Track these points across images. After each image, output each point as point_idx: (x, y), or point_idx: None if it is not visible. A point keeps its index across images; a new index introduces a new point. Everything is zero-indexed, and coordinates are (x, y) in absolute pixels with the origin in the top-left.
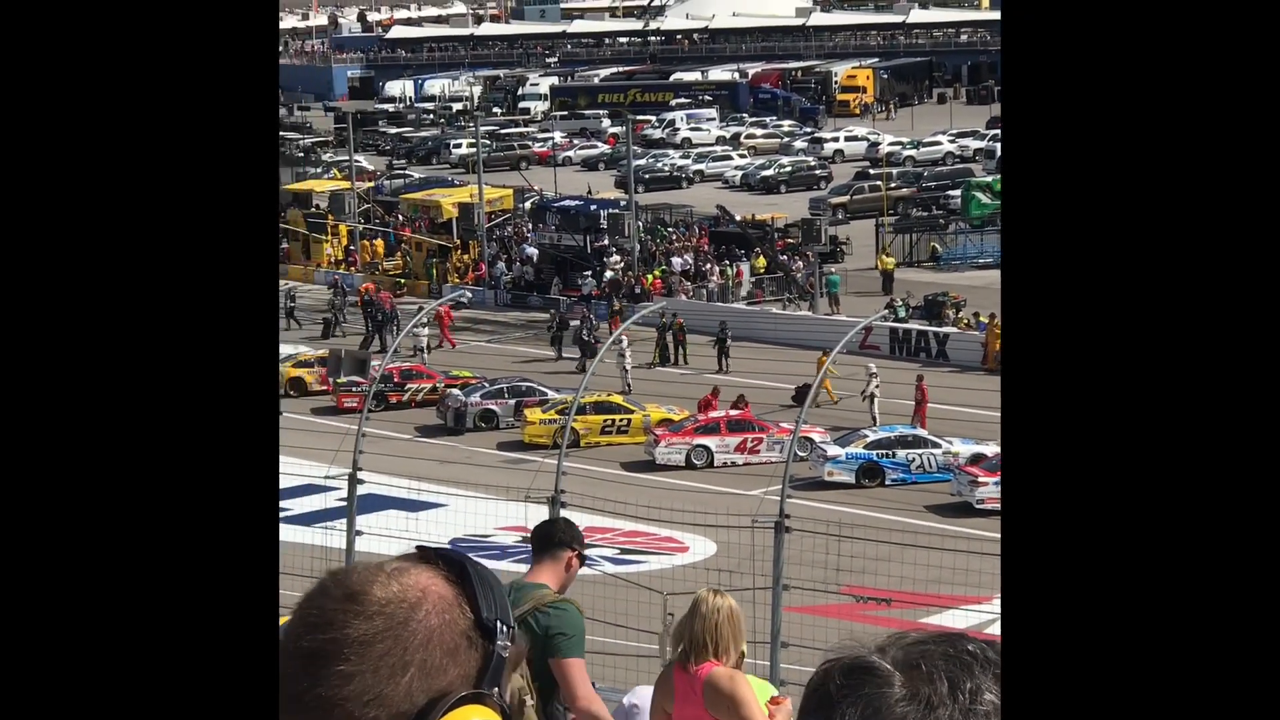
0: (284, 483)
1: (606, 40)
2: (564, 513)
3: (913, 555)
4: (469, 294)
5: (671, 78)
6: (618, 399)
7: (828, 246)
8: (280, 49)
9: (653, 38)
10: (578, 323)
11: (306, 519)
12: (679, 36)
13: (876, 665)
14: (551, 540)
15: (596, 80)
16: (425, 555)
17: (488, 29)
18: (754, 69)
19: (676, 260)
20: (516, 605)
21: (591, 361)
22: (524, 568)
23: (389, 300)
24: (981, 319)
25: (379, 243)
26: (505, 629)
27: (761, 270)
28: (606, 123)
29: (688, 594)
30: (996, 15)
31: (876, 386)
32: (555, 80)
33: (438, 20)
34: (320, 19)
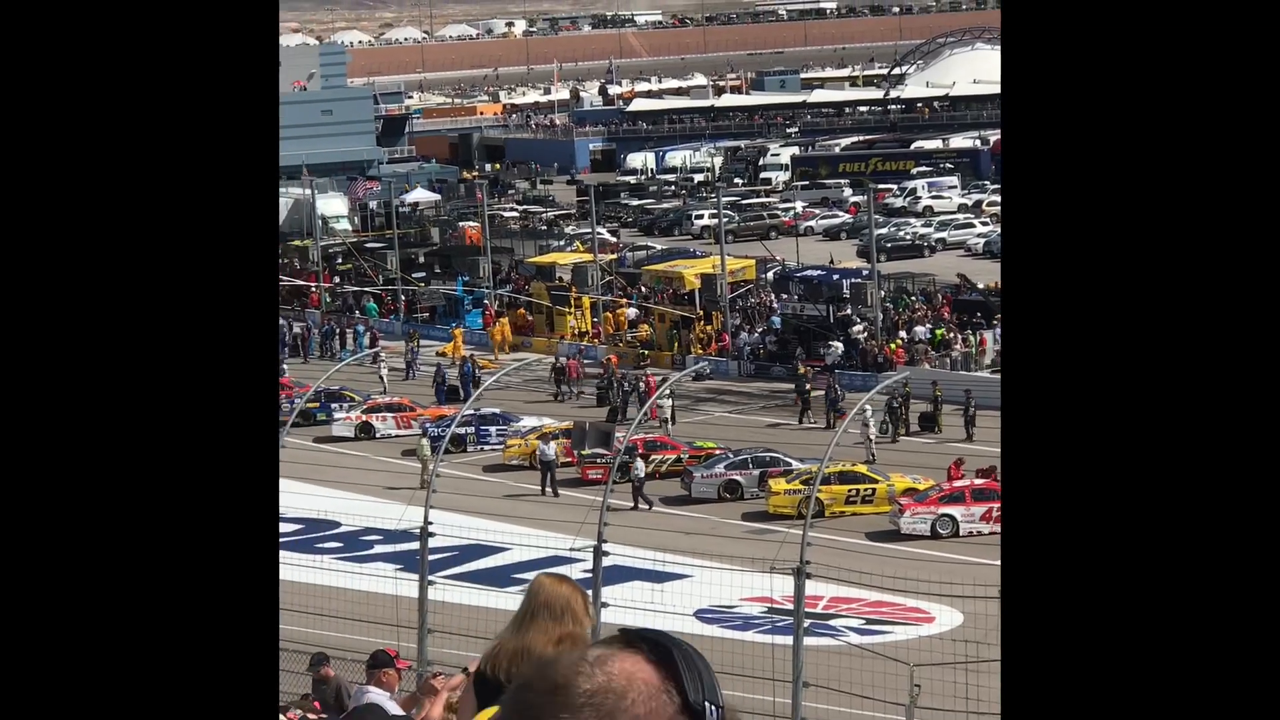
0: (529, 555)
1: (847, 109)
2: (809, 584)
3: None
4: (707, 365)
5: (912, 146)
6: (862, 468)
7: None
8: (523, 123)
9: (893, 106)
10: (822, 392)
11: None
12: (919, 104)
13: None
14: None
15: (837, 149)
16: (629, 639)
17: (728, 100)
18: (995, 136)
19: (919, 329)
20: None
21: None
22: (766, 639)
23: (619, 368)
24: None
25: (622, 313)
26: (715, 710)
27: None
28: (848, 192)
29: (935, 665)
30: None
31: None
32: (796, 150)
33: (678, 93)
34: (562, 93)
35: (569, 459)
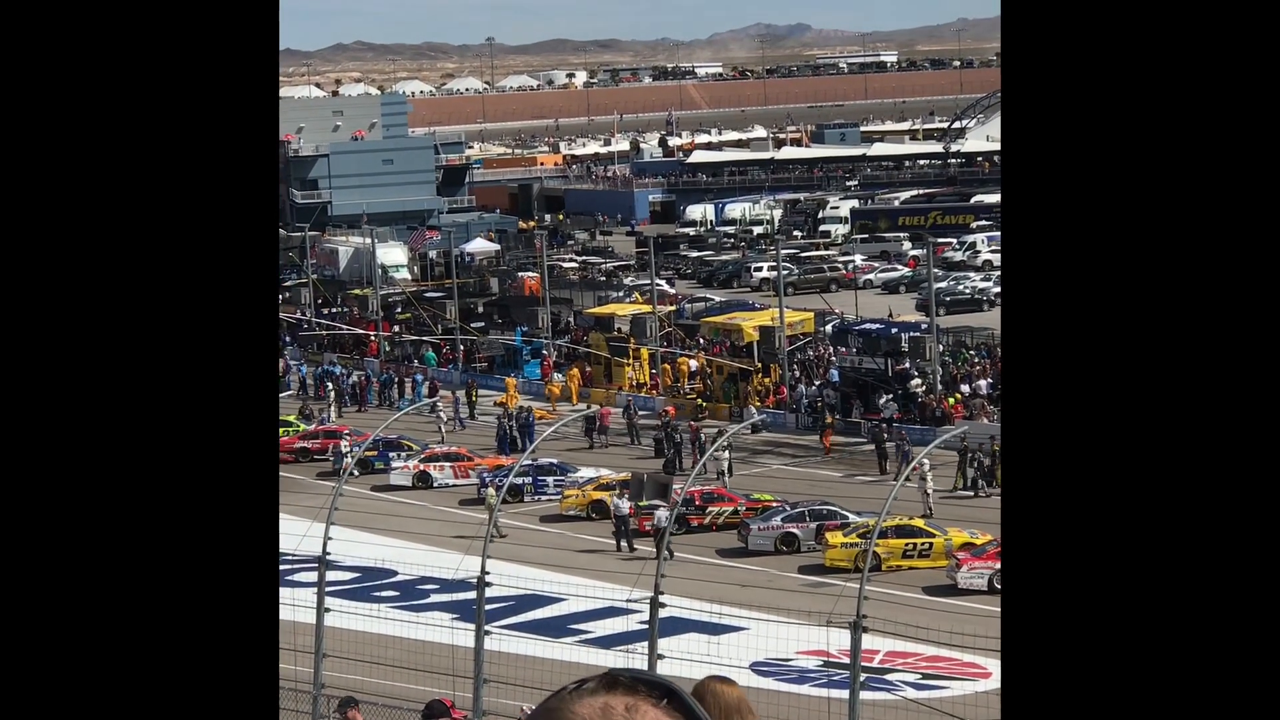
0: (585, 605)
1: (906, 163)
2: (866, 638)
3: None
4: (760, 418)
5: (972, 200)
6: (919, 522)
7: None
8: (583, 174)
9: (953, 160)
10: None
11: (606, 642)
12: (979, 158)
13: None
14: None
15: (897, 203)
16: (630, 684)
17: (788, 153)
18: None
19: (981, 383)
20: None
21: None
22: (822, 693)
23: (693, 426)
24: None
25: (683, 363)
26: None
27: None
28: (907, 245)
29: None
30: None
31: None
32: (855, 203)
33: (738, 144)
34: (622, 144)
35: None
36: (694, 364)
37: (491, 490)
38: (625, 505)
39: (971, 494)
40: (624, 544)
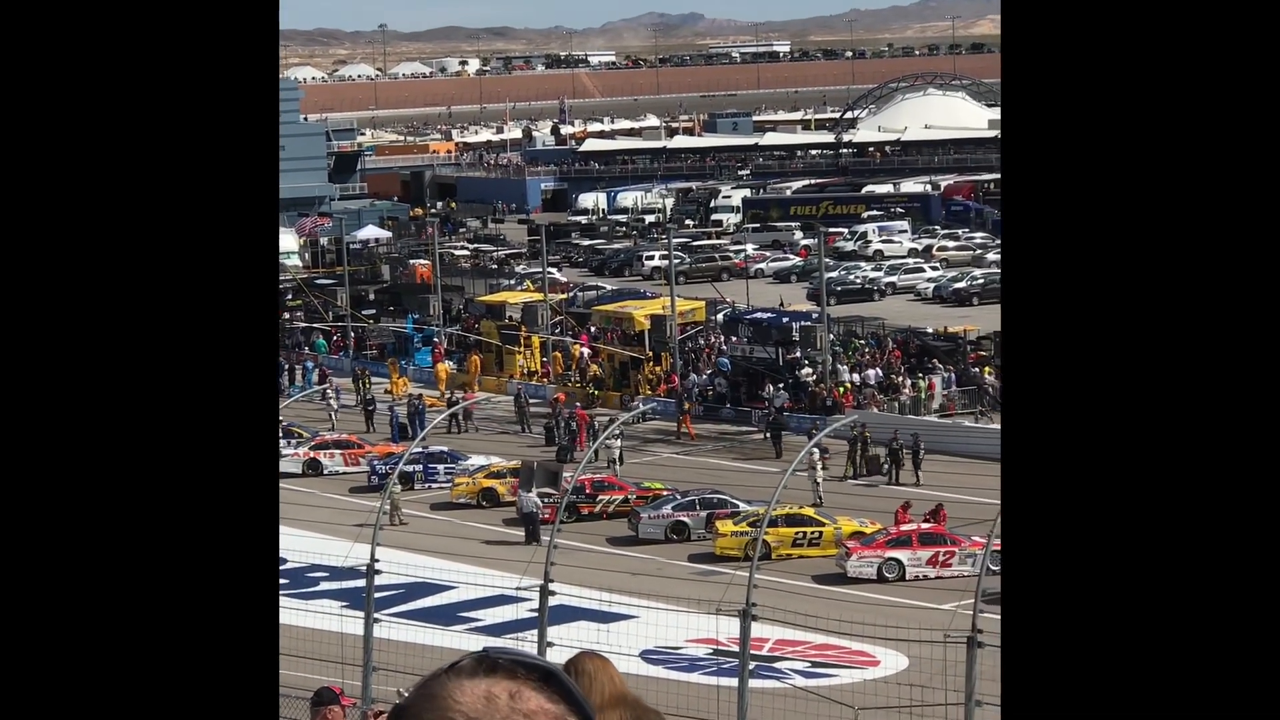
0: (475, 593)
1: (798, 153)
2: (755, 626)
3: None
4: (642, 406)
5: (863, 190)
6: (809, 511)
7: None
8: (476, 162)
9: (845, 150)
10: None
11: (496, 630)
12: (871, 149)
13: None
14: None
15: (789, 193)
16: (510, 667)
17: (680, 142)
18: (946, 181)
19: (869, 373)
20: None
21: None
22: (712, 681)
23: (583, 414)
24: None
25: (576, 348)
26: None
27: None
28: (798, 235)
29: (879, 709)
30: None
31: None
32: (747, 192)
33: (630, 133)
34: (515, 133)
35: (514, 496)
36: (585, 350)
37: (394, 480)
38: (534, 500)
39: (866, 480)
40: (533, 542)
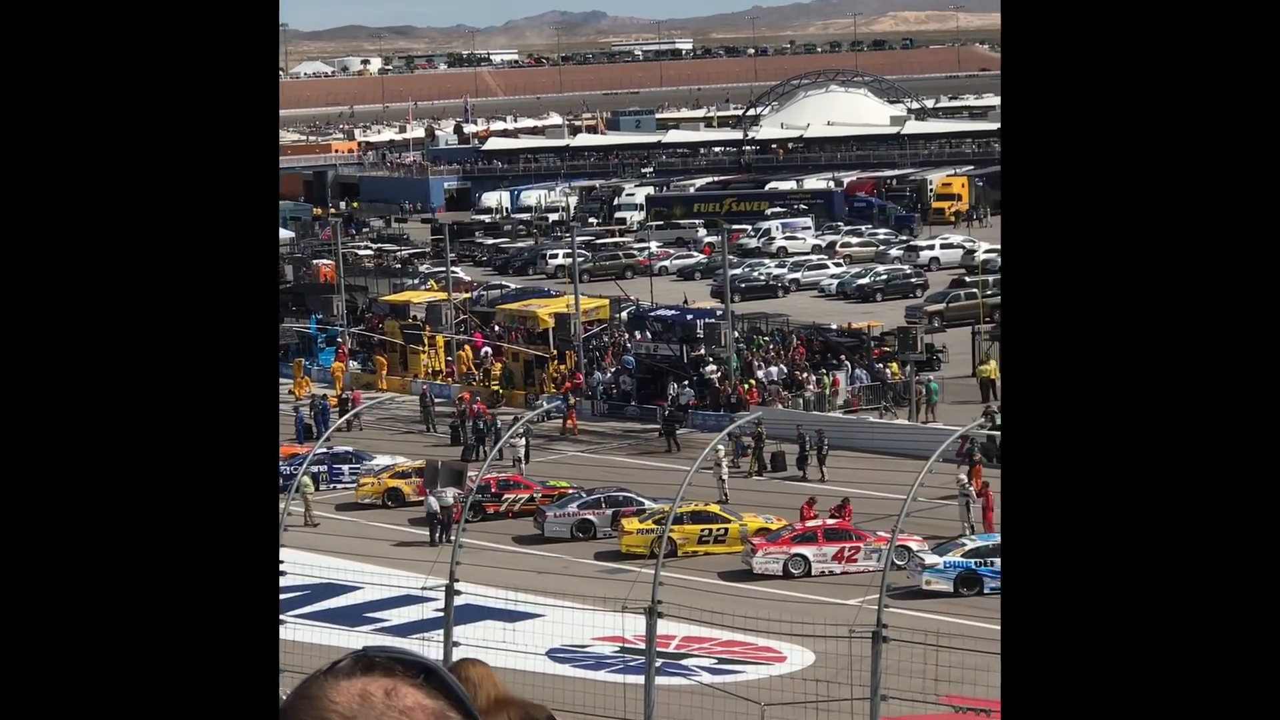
0: (381, 594)
1: (701, 150)
2: (661, 623)
3: None
4: (545, 403)
5: (767, 187)
6: (715, 508)
7: (924, 355)
8: (379, 161)
9: (748, 147)
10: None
11: (403, 630)
12: (774, 145)
13: None
14: None
15: (692, 190)
16: (387, 665)
17: (583, 140)
18: (849, 177)
19: (773, 369)
20: None
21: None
22: (619, 679)
23: (486, 410)
24: None
25: (467, 350)
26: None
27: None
28: (702, 232)
29: (786, 705)
30: None
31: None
32: (651, 190)
33: (533, 132)
34: (417, 132)
35: (421, 497)
36: (487, 350)
37: (306, 479)
38: (448, 498)
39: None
40: (438, 537)
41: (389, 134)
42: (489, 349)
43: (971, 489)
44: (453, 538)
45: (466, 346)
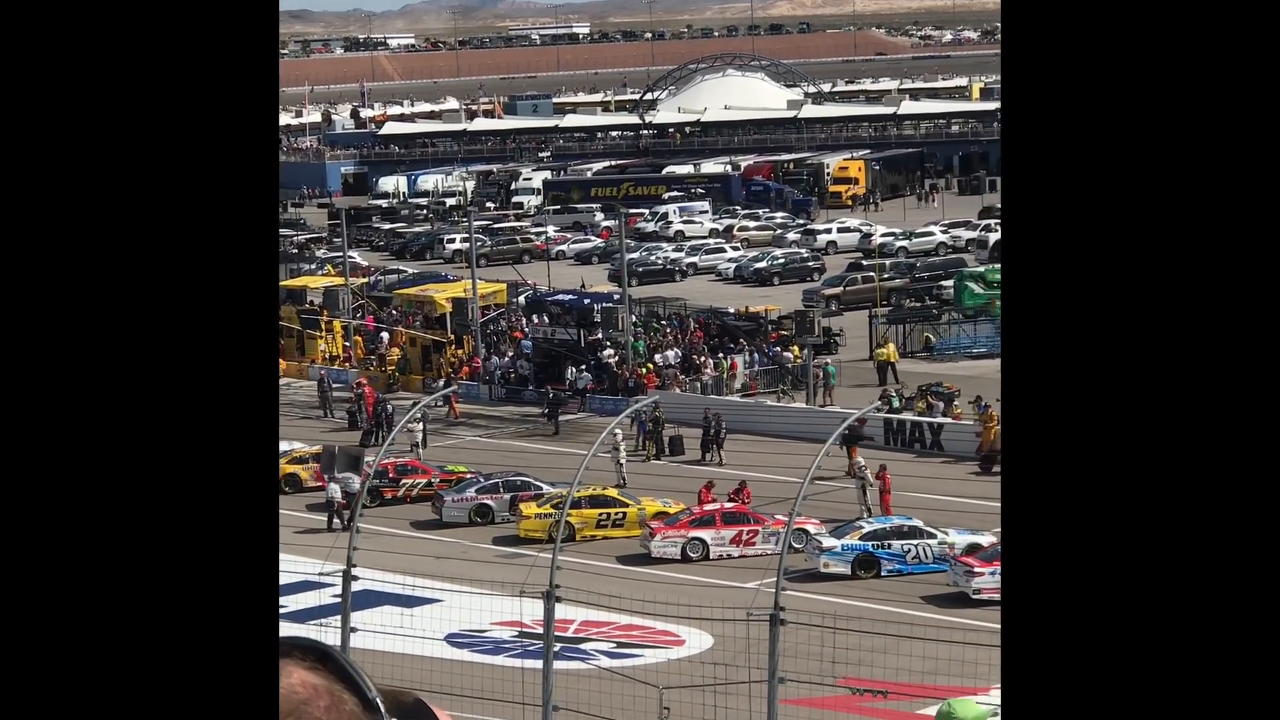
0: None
1: (599, 134)
2: (559, 607)
3: (909, 647)
4: (452, 388)
5: (664, 171)
6: (613, 492)
7: (821, 338)
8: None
9: (645, 131)
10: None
11: (301, 616)
12: (671, 130)
13: None
14: None
15: (589, 174)
16: (284, 649)
17: (480, 124)
18: (746, 161)
19: (670, 353)
20: None
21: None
22: (517, 663)
23: (374, 395)
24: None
25: (354, 337)
26: (384, 704)
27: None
28: (600, 216)
29: (684, 688)
30: (987, 106)
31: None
32: (548, 175)
33: (431, 116)
34: (314, 116)
35: (319, 483)
36: (385, 335)
37: None
38: (353, 484)
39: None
40: (336, 522)
41: (285, 118)
42: (386, 334)
43: (868, 472)
44: (350, 523)
45: (360, 330)
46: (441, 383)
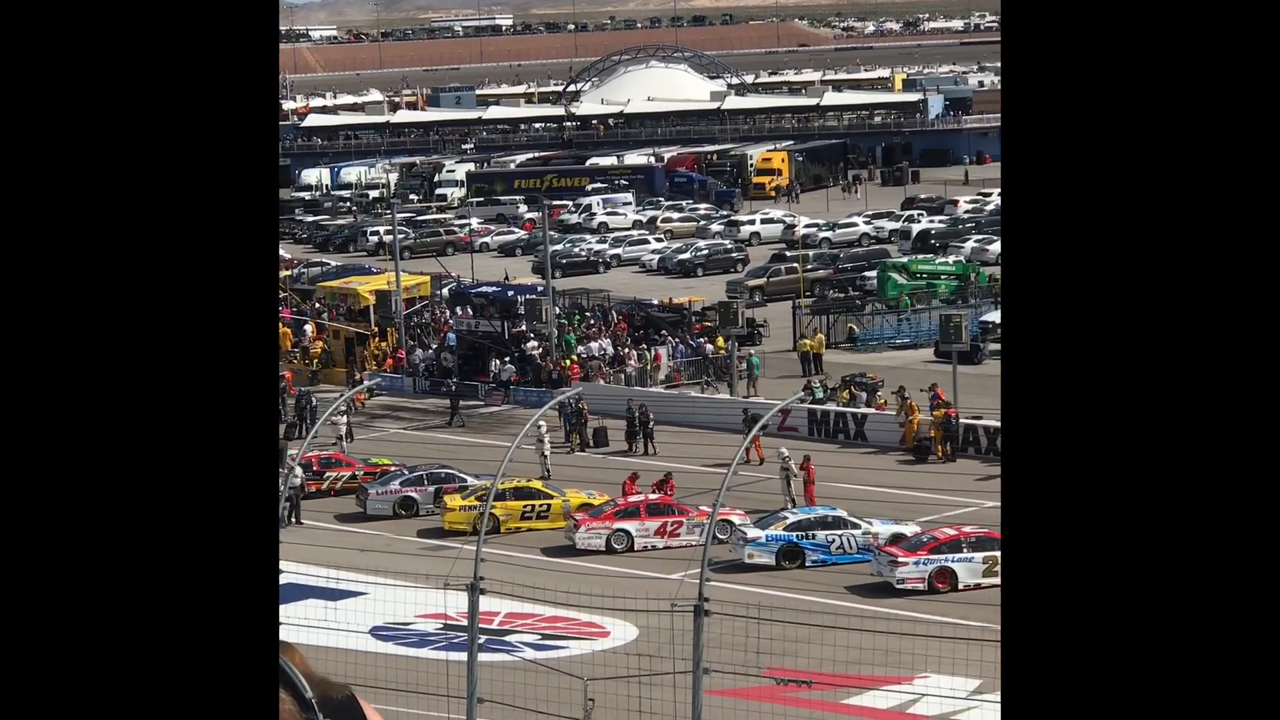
0: None
1: (522, 126)
2: (484, 599)
3: (833, 636)
4: (368, 382)
5: (587, 163)
6: (537, 484)
7: (745, 329)
8: None
9: (568, 123)
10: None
11: None
12: (594, 121)
13: None
14: None
15: (513, 166)
16: None
17: (403, 116)
18: (669, 153)
19: (594, 345)
20: None
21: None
22: (442, 655)
23: (293, 390)
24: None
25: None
26: (318, 704)
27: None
28: (523, 208)
29: (609, 679)
30: (909, 97)
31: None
32: (471, 166)
33: (353, 108)
34: None
35: None
36: (309, 327)
37: None
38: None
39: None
40: (294, 519)
41: None
42: (309, 327)
43: (792, 463)
44: (292, 517)
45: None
46: (365, 375)
